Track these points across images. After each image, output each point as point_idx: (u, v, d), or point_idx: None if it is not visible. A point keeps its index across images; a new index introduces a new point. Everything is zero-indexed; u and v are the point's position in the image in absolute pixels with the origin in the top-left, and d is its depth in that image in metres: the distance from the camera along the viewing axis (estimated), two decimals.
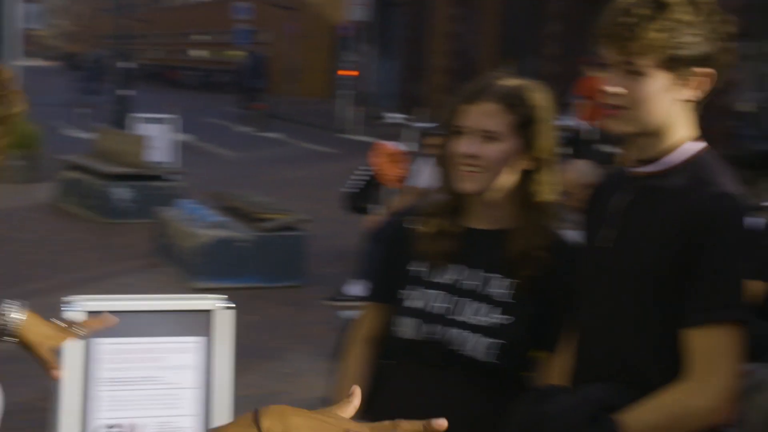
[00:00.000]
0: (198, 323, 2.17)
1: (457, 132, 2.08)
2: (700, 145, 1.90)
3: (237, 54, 31.21)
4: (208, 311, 2.16)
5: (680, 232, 1.79)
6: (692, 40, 1.78)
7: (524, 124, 2.06)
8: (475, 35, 21.75)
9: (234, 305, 2.19)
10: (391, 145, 8.15)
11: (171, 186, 10.91)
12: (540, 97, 2.11)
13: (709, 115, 3.86)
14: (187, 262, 7.84)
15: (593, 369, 1.90)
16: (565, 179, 4.23)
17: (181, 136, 15.87)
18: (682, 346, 1.76)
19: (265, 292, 7.51)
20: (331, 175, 13.57)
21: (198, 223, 8.02)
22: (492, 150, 2.05)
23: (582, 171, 4.22)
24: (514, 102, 2.07)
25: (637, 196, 1.90)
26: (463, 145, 2.05)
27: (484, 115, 2.06)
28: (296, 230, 8.03)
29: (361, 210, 7.92)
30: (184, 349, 2.15)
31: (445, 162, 2.16)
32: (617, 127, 1.88)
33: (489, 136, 2.05)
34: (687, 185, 1.83)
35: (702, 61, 1.80)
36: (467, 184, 2.08)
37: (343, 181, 8.92)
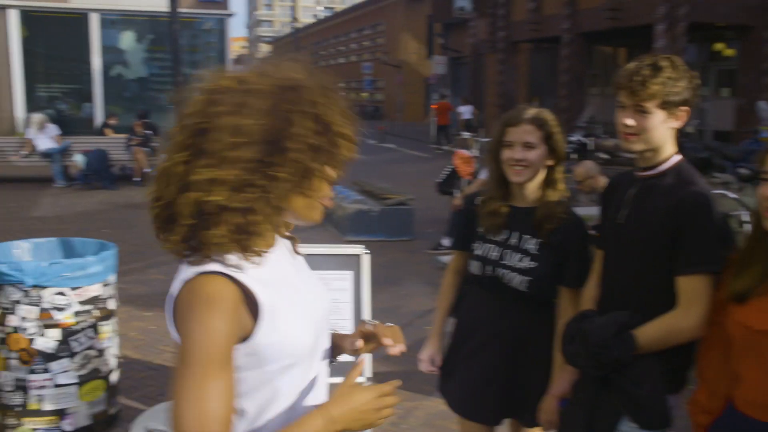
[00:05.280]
0: (350, 262, 2.78)
1: (507, 144, 2.36)
2: (680, 156, 2.16)
3: (364, 95, 45.13)
4: (356, 255, 2.76)
5: (672, 213, 2.04)
6: (677, 89, 2.05)
7: (548, 137, 2.36)
8: (513, 82, 26.11)
9: (369, 252, 2.81)
10: (464, 152, 9.03)
11: None
12: (553, 119, 2.39)
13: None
14: (340, 224, 9.07)
15: (615, 301, 2.16)
16: (576, 173, 5.30)
17: None
18: (675, 287, 2.03)
19: (389, 243, 8.63)
20: (426, 171, 15.56)
21: (346, 200, 9.25)
22: (532, 155, 2.34)
23: (588, 167, 5.40)
24: (541, 123, 2.35)
25: (641, 190, 2.16)
26: (516, 153, 2.35)
27: (524, 132, 2.34)
28: (407, 205, 9.20)
29: (447, 193, 8.90)
30: (342, 278, 2.74)
31: (497, 164, 2.42)
32: (632, 146, 2.11)
33: (529, 146, 2.34)
34: (674, 183, 2.09)
35: (683, 102, 2.08)
36: (517, 178, 2.37)
37: (435, 175, 10.01)
